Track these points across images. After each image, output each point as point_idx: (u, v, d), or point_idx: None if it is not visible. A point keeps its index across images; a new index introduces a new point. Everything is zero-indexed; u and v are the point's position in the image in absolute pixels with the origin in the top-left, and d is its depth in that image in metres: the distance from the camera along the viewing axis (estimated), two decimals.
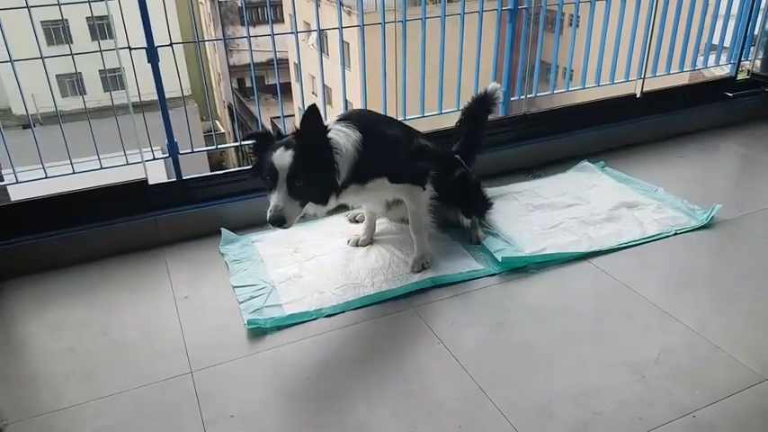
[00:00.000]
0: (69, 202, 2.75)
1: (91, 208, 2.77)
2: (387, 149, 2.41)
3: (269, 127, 2.72)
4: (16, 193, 2.74)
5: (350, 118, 2.34)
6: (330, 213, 2.57)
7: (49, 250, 2.68)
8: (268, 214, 2.10)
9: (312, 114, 2.12)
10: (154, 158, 2.84)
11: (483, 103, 2.92)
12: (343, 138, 2.22)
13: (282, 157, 2.09)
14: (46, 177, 2.66)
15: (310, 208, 2.22)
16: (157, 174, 2.96)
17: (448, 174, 2.66)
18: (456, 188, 2.68)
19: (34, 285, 2.56)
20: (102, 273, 2.64)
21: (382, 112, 3.02)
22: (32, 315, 2.40)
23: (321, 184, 2.18)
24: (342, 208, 2.82)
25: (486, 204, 2.85)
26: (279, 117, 3.16)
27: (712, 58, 4.19)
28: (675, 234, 2.75)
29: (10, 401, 1.94)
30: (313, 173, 2.13)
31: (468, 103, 2.95)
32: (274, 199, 2.10)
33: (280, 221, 2.09)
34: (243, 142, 2.28)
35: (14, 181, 2.64)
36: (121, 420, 1.88)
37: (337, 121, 2.32)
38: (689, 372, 1.97)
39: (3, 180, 2.69)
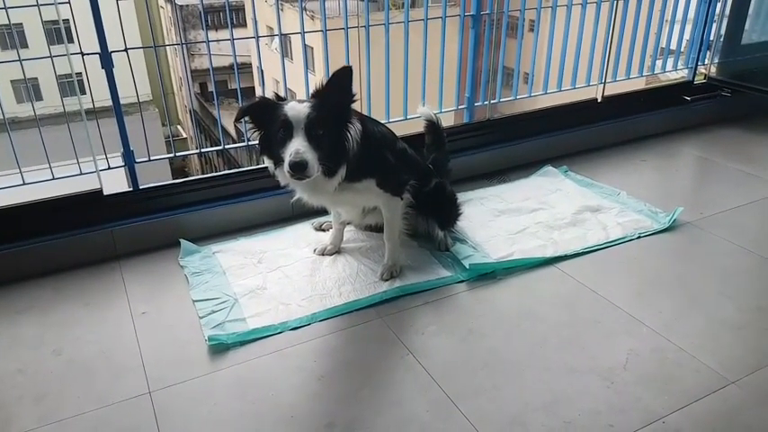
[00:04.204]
0: (20, 215, 2.62)
1: (43, 220, 2.65)
2: (381, 150, 2.34)
3: (232, 132, 2.63)
4: None
5: (358, 114, 2.25)
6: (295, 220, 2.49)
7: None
8: (287, 159, 1.95)
9: (346, 73, 2.02)
10: (109, 167, 2.74)
11: (430, 125, 2.90)
12: (354, 124, 2.14)
13: (298, 108, 1.98)
14: None
15: (316, 181, 2.07)
16: (115, 183, 2.85)
17: (424, 182, 2.61)
18: (432, 198, 2.64)
19: None
20: (56, 288, 2.52)
21: None
22: None
23: (338, 143, 2.06)
24: (307, 216, 2.75)
25: (458, 215, 2.81)
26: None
27: (670, 62, 4.29)
28: (639, 237, 2.78)
29: None
30: (332, 128, 2.02)
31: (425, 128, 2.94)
32: (294, 144, 1.95)
33: (302, 166, 1.93)
34: (238, 120, 2.10)
35: None
36: None
37: None
38: (657, 377, 1.98)
39: None
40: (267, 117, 2.04)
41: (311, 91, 2.10)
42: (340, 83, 2.03)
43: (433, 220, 2.68)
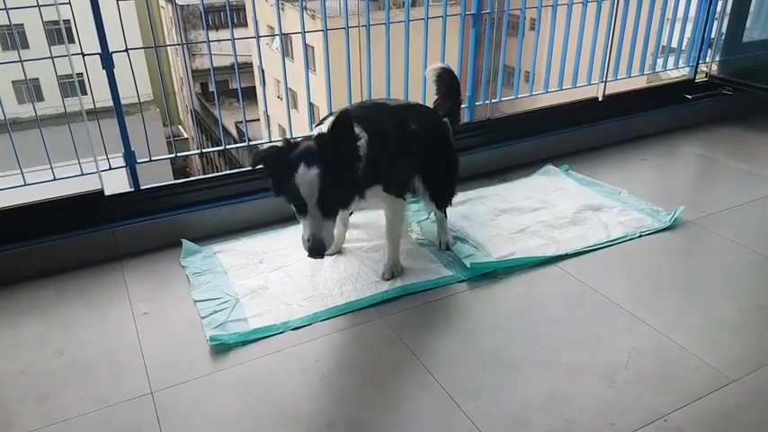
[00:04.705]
0: (22, 216, 2.62)
1: (45, 221, 2.65)
2: (388, 155, 2.28)
3: (233, 132, 2.62)
4: None
5: (359, 117, 2.15)
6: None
7: (1, 266, 2.55)
8: (305, 244, 2.00)
9: (344, 124, 2.00)
10: (110, 168, 2.74)
11: (444, 73, 2.80)
12: (362, 143, 2.11)
13: (309, 179, 1.93)
14: None
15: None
16: (117, 183, 2.85)
17: (436, 158, 2.56)
18: (438, 174, 2.59)
19: None
20: (57, 289, 2.52)
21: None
22: None
23: (349, 192, 2.10)
24: None
25: (454, 192, 2.74)
26: (242, 122, 3.09)
27: (671, 61, 4.29)
28: (640, 236, 2.78)
29: None
30: (341, 185, 2.02)
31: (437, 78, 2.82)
32: (309, 227, 1.99)
33: (320, 251, 1.99)
34: (253, 168, 2.09)
35: None
36: None
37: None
38: (658, 376, 1.98)
39: None
40: (279, 171, 2.02)
41: (315, 133, 2.09)
42: (343, 133, 2.01)
43: (429, 194, 2.60)
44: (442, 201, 2.66)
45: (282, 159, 1.99)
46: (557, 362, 2.05)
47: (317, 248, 1.99)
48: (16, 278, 2.55)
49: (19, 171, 2.55)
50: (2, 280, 2.53)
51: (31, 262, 2.59)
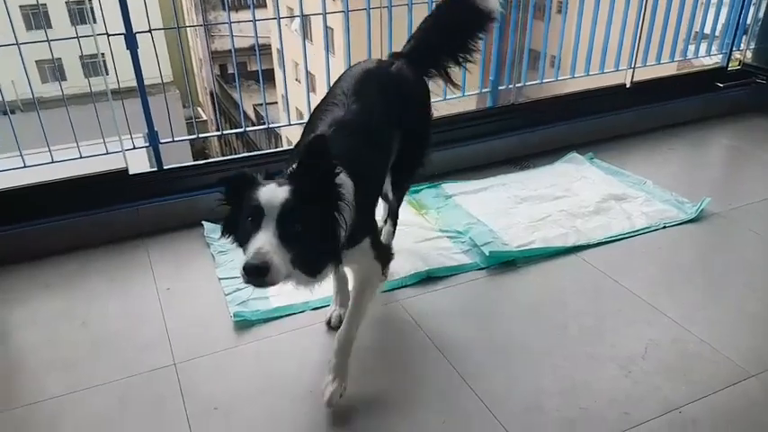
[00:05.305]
0: (49, 192, 2.69)
1: (71, 198, 2.70)
2: (375, 196, 1.95)
3: (251, 115, 2.50)
4: None
5: (342, 150, 1.70)
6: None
7: (29, 241, 2.62)
8: (244, 262, 1.46)
9: (319, 145, 1.58)
10: (134, 147, 2.78)
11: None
12: (345, 187, 1.63)
13: (274, 192, 1.52)
14: (25, 167, 2.59)
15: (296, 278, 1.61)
16: (138, 162, 2.90)
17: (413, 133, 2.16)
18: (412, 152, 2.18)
19: (13, 276, 2.50)
20: (83, 263, 2.58)
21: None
22: (11, 307, 2.34)
23: (322, 241, 1.59)
24: None
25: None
26: (261, 104, 3.10)
27: (703, 47, 4.17)
28: (664, 227, 2.74)
29: None
30: (314, 222, 1.55)
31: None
32: (257, 240, 1.47)
33: (261, 271, 1.43)
34: (215, 189, 1.65)
35: None
36: (104, 412, 1.85)
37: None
38: (675, 367, 1.96)
39: None
40: (242, 196, 1.57)
41: (287, 172, 1.65)
42: (316, 156, 1.57)
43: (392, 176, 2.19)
44: (404, 182, 2.30)
45: (249, 185, 1.58)
46: (573, 350, 2.05)
47: (255, 266, 1.43)
48: (44, 252, 2.62)
49: (47, 149, 2.60)
50: (30, 254, 2.60)
51: (58, 237, 2.66)
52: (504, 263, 2.50)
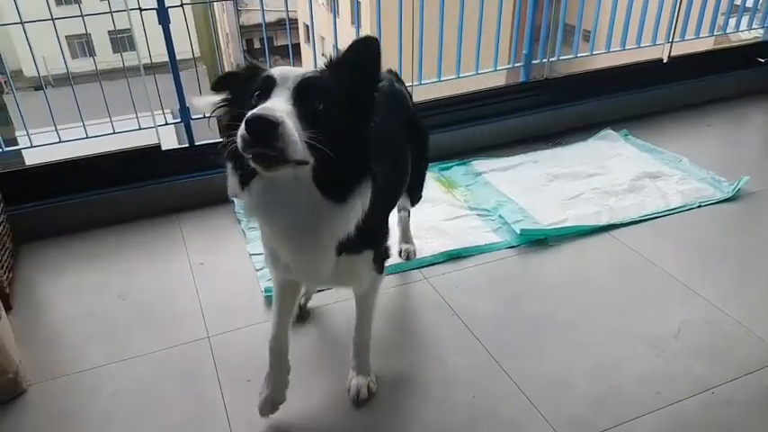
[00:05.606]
0: (85, 167, 2.74)
1: (106, 173, 2.76)
2: (387, 207, 1.78)
3: None
4: (31, 158, 2.73)
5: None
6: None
7: (66, 215, 2.68)
8: (248, 115, 1.09)
9: (370, 47, 1.27)
10: (166, 123, 2.81)
11: None
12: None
13: (291, 69, 1.26)
14: (60, 141, 2.64)
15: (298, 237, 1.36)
16: (170, 138, 2.92)
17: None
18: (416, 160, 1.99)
19: (51, 249, 2.57)
20: (118, 237, 2.65)
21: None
22: (51, 279, 2.42)
23: (350, 141, 1.25)
24: None
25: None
26: None
27: (744, 21, 4.01)
28: (699, 206, 2.68)
29: (32, 363, 1.97)
30: (341, 111, 1.23)
31: None
32: (267, 103, 1.16)
33: (270, 124, 1.08)
34: (215, 87, 1.41)
35: (29, 145, 2.62)
36: (141, 382, 1.91)
37: None
38: (709, 348, 1.94)
39: (18, 144, 2.68)
40: (247, 88, 1.27)
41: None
42: (362, 58, 1.28)
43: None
44: (417, 191, 2.22)
45: (259, 70, 1.31)
46: (605, 329, 2.03)
47: (263, 119, 1.08)
48: (81, 226, 2.68)
49: (81, 124, 2.65)
50: (67, 227, 2.67)
51: (94, 211, 2.72)
52: (536, 241, 2.48)
